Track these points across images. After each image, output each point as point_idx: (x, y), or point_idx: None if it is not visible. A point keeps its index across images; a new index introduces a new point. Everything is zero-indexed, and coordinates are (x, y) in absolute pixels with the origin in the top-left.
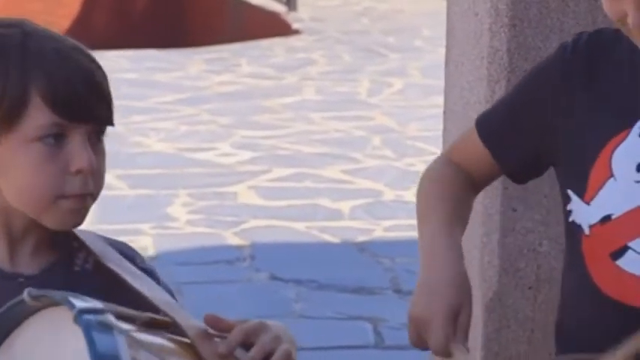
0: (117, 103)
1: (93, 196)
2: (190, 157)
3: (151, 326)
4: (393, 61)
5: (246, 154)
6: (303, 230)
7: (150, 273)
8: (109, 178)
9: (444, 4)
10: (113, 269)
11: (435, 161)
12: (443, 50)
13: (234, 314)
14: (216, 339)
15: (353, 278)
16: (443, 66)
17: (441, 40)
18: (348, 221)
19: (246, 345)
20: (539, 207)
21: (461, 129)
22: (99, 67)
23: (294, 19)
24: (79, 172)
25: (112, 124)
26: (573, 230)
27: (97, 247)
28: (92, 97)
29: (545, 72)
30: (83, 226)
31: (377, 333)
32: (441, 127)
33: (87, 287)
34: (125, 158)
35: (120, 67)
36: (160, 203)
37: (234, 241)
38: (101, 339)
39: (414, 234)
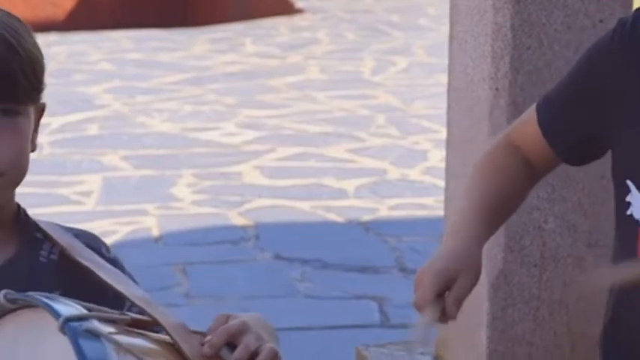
0: (121, 83)
1: (3, 176)
2: (195, 137)
3: (134, 327)
4: (397, 39)
5: (251, 134)
6: (307, 210)
7: (116, 263)
8: (114, 159)
9: None
10: (79, 260)
11: (497, 141)
12: (446, 28)
13: (238, 294)
14: (198, 336)
15: (358, 257)
16: (447, 44)
17: (446, 18)
18: (352, 200)
19: (231, 345)
20: (545, 184)
21: (465, 106)
22: (7, 45)
23: None
24: None
25: (16, 101)
26: (629, 223)
27: (62, 239)
28: None
29: (605, 56)
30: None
31: (382, 312)
32: (445, 105)
33: (52, 278)
34: (129, 139)
35: (124, 47)
36: (164, 183)
37: (238, 221)
38: (89, 348)
39: (419, 212)
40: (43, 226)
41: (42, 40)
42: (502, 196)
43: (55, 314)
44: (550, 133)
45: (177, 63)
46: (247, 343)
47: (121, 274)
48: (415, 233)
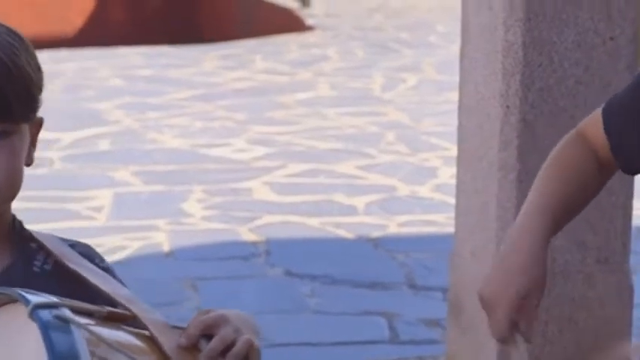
0: (131, 99)
1: None
2: (205, 153)
3: (111, 320)
4: (407, 57)
5: (261, 150)
6: (317, 226)
7: (109, 272)
8: (125, 174)
9: None
10: (73, 268)
11: (568, 136)
12: (457, 46)
13: (249, 310)
14: (177, 330)
15: (367, 273)
16: (457, 62)
17: (455, 36)
18: (362, 217)
19: (208, 337)
20: None
21: (476, 123)
22: (3, 66)
23: (308, 16)
24: None
25: (8, 121)
26: None
27: (57, 249)
28: None
29: None
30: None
31: (391, 328)
32: (454, 122)
33: (47, 288)
34: (140, 155)
35: (134, 63)
36: (175, 199)
37: (249, 236)
38: (58, 334)
39: (428, 229)
40: (37, 236)
41: (52, 55)
42: (571, 194)
43: (25, 302)
44: (614, 141)
45: (188, 79)
46: (224, 334)
47: (111, 278)
48: (424, 250)
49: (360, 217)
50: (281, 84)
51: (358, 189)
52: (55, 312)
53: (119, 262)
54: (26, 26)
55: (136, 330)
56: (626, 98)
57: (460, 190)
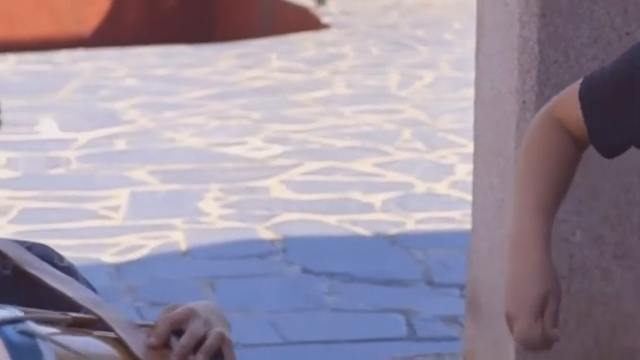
0: (148, 99)
1: None
2: (221, 151)
3: (77, 326)
4: (423, 54)
5: (277, 149)
6: (334, 223)
7: (70, 270)
8: (141, 174)
9: None
10: (32, 273)
11: (540, 119)
12: (472, 43)
13: (266, 307)
14: (145, 329)
15: (385, 271)
16: (473, 59)
17: (471, 32)
18: (379, 214)
19: (178, 333)
20: (572, 197)
21: (492, 119)
22: None
23: (323, 13)
24: None
25: None
26: None
27: (14, 253)
28: None
29: None
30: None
31: (409, 325)
32: (471, 119)
33: (8, 294)
34: (157, 154)
35: (150, 63)
36: (191, 198)
37: (266, 235)
38: (25, 351)
39: (445, 226)
40: None
41: (68, 56)
42: (559, 182)
43: None
44: (593, 129)
45: (203, 78)
46: (193, 329)
47: (72, 280)
48: (442, 246)
49: (377, 215)
50: (297, 82)
51: (375, 186)
52: (19, 327)
53: (136, 262)
54: (43, 27)
55: (103, 334)
56: (606, 82)
57: (477, 186)
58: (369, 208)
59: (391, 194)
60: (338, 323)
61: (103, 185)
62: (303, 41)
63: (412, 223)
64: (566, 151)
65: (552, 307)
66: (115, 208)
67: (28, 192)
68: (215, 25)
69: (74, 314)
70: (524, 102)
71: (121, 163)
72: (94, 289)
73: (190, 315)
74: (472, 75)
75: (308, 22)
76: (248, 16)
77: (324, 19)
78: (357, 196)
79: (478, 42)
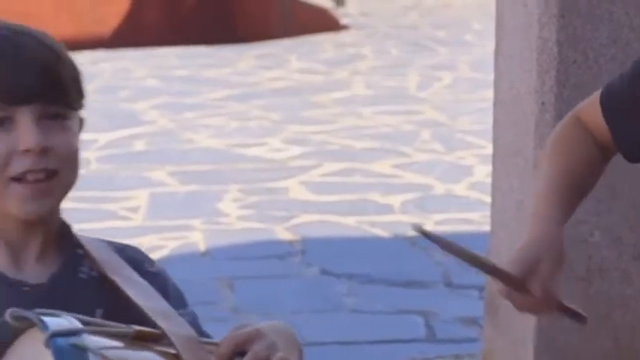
0: (167, 100)
1: (56, 174)
2: (241, 152)
3: (139, 339)
4: (442, 55)
5: (297, 150)
6: (353, 225)
7: (158, 276)
8: (161, 174)
9: None
10: (113, 279)
11: (564, 123)
12: (492, 44)
13: (285, 309)
14: (210, 347)
15: (404, 272)
16: (492, 60)
17: (490, 33)
18: (398, 215)
19: (241, 354)
20: (590, 197)
21: (511, 120)
22: (51, 51)
23: (342, 15)
24: (27, 151)
25: (65, 104)
26: None
27: (101, 255)
28: (30, 79)
29: None
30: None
31: (428, 327)
32: (490, 120)
33: (93, 295)
34: (176, 154)
35: (170, 64)
36: (210, 199)
37: (285, 236)
38: None
39: (464, 227)
40: (84, 242)
41: (88, 57)
42: (579, 175)
43: (44, 329)
44: (614, 125)
45: (223, 79)
46: (256, 350)
47: (150, 289)
48: None
49: (396, 216)
50: (316, 83)
51: (394, 188)
52: (72, 340)
53: None
54: (63, 28)
55: (164, 349)
56: (625, 87)
57: (495, 187)
58: (388, 209)
59: (410, 195)
60: (357, 324)
61: (122, 186)
62: (322, 42)
63: (431, 224)
64: (589, 149)
65: (542, 270)
66: (135, 209)
67: None
68: (235, 26)
69: (138, 327)
70: (543, 103)
71: (140, 164)
72: (182, 297)
73: (255, 336)
74: (491, 76)
75: (327, 23)
76: (268, 17)
77: (344, 20)
78: (376, 197)
79: (497, 43)
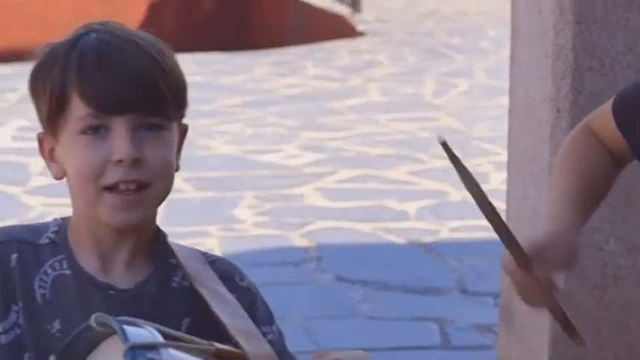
0: None
1: (148, 186)
2: (256, 159)
3: (220, 358)
4: (458, 62)
5: (312, 156)
6: (368, 231)
7: (248, 291)
8: (177, 181)
9: (509, 3)
10: (201, 292)
11: (575, 131)
12: (507, 50)
13: (300, 315)
14: None
15: (419, 279)
16: (507, 66)
17: (506, 40)
18: (413, 222)
19: None
20: (606, 205)
21: (526, 127)
22: (153, 60)
23: (358, 21)
24: (119, 161)
25: (162, 115)
26: None
27: (192, 266)
28: (127, 90)
29: None
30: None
31: (443, 334)
32: (505, 127)
33: (182, 305)
34: (192, 161)
35: (186, 70)
36: (226, 205)
37: (300, 242)
38: None
39: (480, 234)
40: (177, 251)
41: None
42: (593, 181)
43: (124, 340)
44: (626, 131)
45: (239, 86)
46: None
47: (237, 305)
48: (476, 255)
49: (411, 223)
50: (332, 90)
51: (409, 194)
52: (150, 354)
53: None
54: None
55: None
56: (638, 94)
57: (510, 195)
58: (403, 216)
59: (425, 202)
60: (372, 331)
61: None
62: (338, 49)
63: (446, 231)
64: (601, 157)
65: (549, 254)
66: None
67: (64, 199)
68: (251, 33)
69: (219, 345)
70: (558, 110)
71: None
72: (270, 313)
73: None
74: (507, 83)
75: (343, 29)
76: (283, 23)
77: (360, 27)
78: (391, 204)
79: (512, 50)
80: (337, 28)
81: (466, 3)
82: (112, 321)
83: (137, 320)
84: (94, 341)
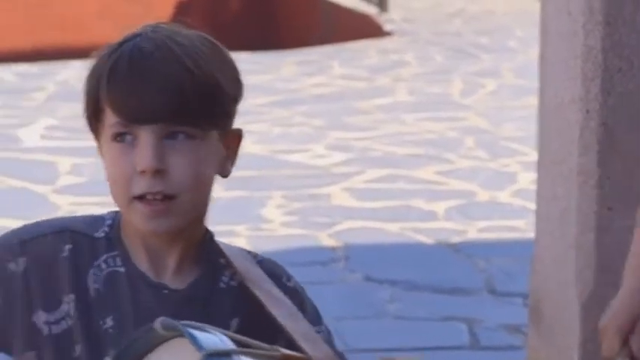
0: None
1: (174, 198)
2: (284, 158)
3: None
4: (486, 61)
5: (340, 156)
6: (396, 231)
7: (295, 292)
8: None
9: (537, 4)
10: (255, 293)
11: None
12: (535, 50)
13: (328, 315)
14: None
15: (447, 279)
16: (536, 66)
17: (534, 40)
18: (442, 222)
19: None
20: (638, 205)
21: (555, 128)
22: (186, 68)
23: (385, 21)
24: (143, 172)
25: (193, 125)
26: None
27: (243, 266)
28: (154, 100)
29: None
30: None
31: (472, 334)
32: (533, 127)
33: (231, 305)
34: None
35: None
36: (254, 205)
37: (328, 242)
38: None
39: (508, 235)
40: (225, 251)
41: None
42: None
43: (199, 348)
44: None
45: (266, 85)
46: None
47: (291, 306)
48: (505, 255)
49: (439, 223)
50: (359, 89)
51: (437, 194)
52: None
53: None
54: (106, 35)
55: None
56: None
57: (540, 195)
58: (431, 216)
59: (453, 202)
60: (400, 331)
61: None
62: (365, 48)
63: (474, 231)
64: None
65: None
66: None
67: (93, 198)
68: (277, 32)
69: (284, 350)
70: (587, 111)
71: None
72: (317, 314)
73: None
74: (535, 83)
75: (370, 29)
76: (311, 23)
77: (387, 27)
78: (419, 204)
79: (541, 50)
80: (364, 28)
81: (493, 3)
82: (179, 326)
83: (203, 325)
84: (151, 344)
